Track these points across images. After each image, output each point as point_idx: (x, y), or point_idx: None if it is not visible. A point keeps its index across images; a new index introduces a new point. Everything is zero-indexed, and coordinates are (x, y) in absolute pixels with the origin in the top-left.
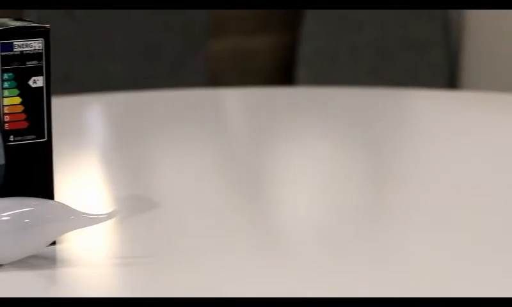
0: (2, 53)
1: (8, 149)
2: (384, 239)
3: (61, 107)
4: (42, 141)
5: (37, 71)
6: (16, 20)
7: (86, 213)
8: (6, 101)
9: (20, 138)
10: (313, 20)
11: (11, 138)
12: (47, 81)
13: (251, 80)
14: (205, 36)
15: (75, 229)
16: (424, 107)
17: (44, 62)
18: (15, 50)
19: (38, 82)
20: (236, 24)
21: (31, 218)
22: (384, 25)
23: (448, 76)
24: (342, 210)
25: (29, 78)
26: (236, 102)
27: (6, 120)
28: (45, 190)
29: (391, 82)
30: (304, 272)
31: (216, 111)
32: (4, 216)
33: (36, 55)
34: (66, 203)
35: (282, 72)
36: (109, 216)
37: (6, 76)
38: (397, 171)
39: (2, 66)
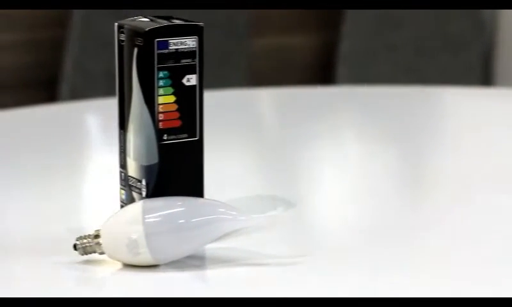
0: (158, 51)
1: (161, 148)
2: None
3: None
4: (194, 139)
5: (191, 70)
6: (159, 17)
7: (244, 214)
8: (161, 99)
9: (173, 137)
10: (353, 19)
11: (165, 137)
12: (200, 79)
13: (290, 78)
14: (247, 34)
15: (233, 230)
16: (459, 104)
17: (197, 61)
18: (170, 48)
19: (191, 80)
20: (276, 22)
21: (192, 219)
22: (421, 24)
23: (483, 74)
24: (385, 208)
25: (183, 77)
26: (276, 101)
27: (160, 119)
28: (195, 189)
29: (427, 80)
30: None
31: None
32: (164, 216)
33: (190, 54)
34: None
35: (322, 70)
36: (265, 217)
37: (161, 74)
38: (437, 166)
39: (157, 64)
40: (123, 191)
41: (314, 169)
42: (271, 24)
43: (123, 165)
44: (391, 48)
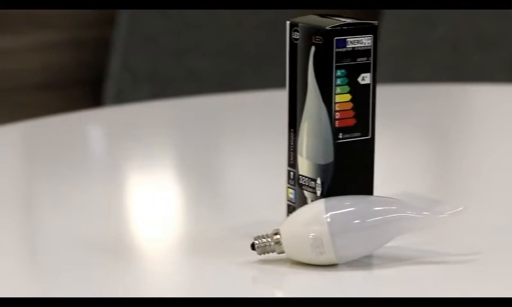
0: (337, 50)
1: (336, 147)
2: None
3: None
4: (367, 138)
5: (366, 68)
6: (322, 16)
7: (427, 212)
8: (338, 98)
9: (347, 136)
10: (390, 18)
11: (340, 136)
12: (374, 78)
13: None
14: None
15: (414, 229)
16: (493, 102)
17: (372, 59)
18: (347, 46)
19: (366, 79)
20: None
21: (375, 217)
22: (456, 23)
23: None
24: None
25: (358, 75)
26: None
27: (336, 118)
28: (366, 187)
29: (462, 79)
30: None
31: None
32: (347, 215)
33: (365, 52)
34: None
35: None
36: (451, 215)
37: (338, 73)
38: (472, 163)
39: (335, 63)
40: (291, 190)
41: (479, 166)
42: None
43: (292, 164)
44: (426, 47)
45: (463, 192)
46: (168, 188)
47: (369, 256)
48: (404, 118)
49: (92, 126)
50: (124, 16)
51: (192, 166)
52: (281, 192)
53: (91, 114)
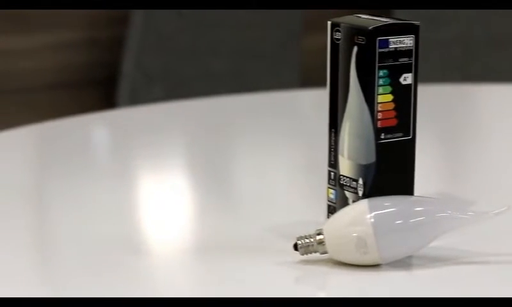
0: (379, 50)
1: (378, 147)
2: None
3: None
4: (408, 138)
5: (407, 68)
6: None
7: (472, 211)
8: (380, 98)
9: (389, 136)
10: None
11: (382, 136)
12: (415, 78)
13: None
14: (300, 32)
15: (457, 228)
16: (506, 102)
17: (413, 59)
18: (390, 46)
19: (407, 79)
20: (324, 20)
21: (418, 217)
22: (469, 22)
23: None
24: None
25: (400, 76)
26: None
27: (378, 118)
28: (407, 187)
29: (474, 78)
30: None
31: None
32: (391, 215)
33: (407, 52)
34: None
35: None
36: (495, 215)
37: (381, 73)
38: (490, 163)
39: (378, 63)
40: (331, 190)
41: (495, 165)
42: (320, 23)
43: (333, 164)
44: (439, 46)
45: (489, 191)
46: (197, 189)
47: (410, 256)
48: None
49: (104, 128)
50: (138, 16)
51: (216, 168)
52: (312, 192)
53: (104, 115)
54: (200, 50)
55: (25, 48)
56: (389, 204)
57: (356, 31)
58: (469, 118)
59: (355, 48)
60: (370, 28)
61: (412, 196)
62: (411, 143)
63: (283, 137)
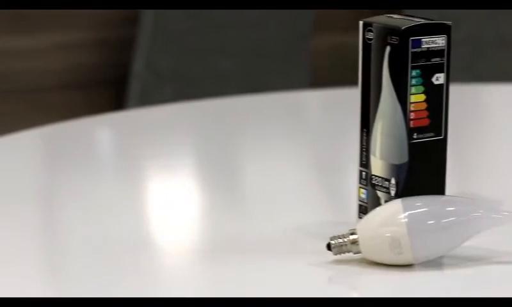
0: (412, 50)
1: (410, 147)
2: None
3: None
4: (439, 138)
5: (439, 68)
6: (404, 16)
7: (505, 211)
8: (412, 98)
9: (421, 136)
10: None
11: (415, 136)
12: (447, 78)
13: (348, 76)
14: (310, 32)
15: (491, 228)
16: None
17: (445, 59)
18: (422, 46)
19: (439, 79)
20: (333, 21)
21: (452, 217)
22: (478, 22)
23: None
24: None
25: (433, 76)
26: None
27: (411, 118)
28: (439, 187)
29: (482, 78)
30: None
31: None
32: (425, 215)
33: (439, 52)
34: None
35: None
36: None
37: (413, 73)
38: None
39: (411, 63)
40: (362, 190)
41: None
42: (328, 23)
43: (364, 164)
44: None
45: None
46: (213, 190)
47: (442, 256)
48: None
49: (114, 129)
50: (148, 16)
51: (229, 168)
52: (337, 192)
53: (113, 117)
54: (209, 50)
55: (35, 48)
56: (422, 204)
57: (389, 31)
58: (479, 118)
59: (388, 48)
60: (403, 28)
61: (444, 196)
62: (443, 143)
63: (292, 138)
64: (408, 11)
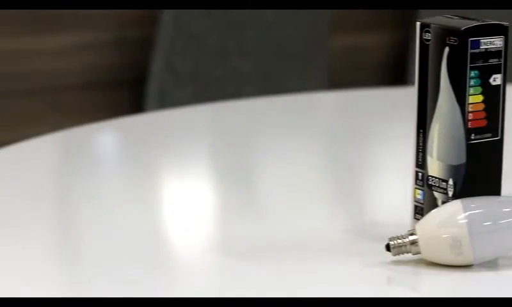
0: (471, 50)
1: (468, 148)
2: None
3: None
4: (496, 139)
5: (497, 69)
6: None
7: None
8: (471, 99)
9: (479, 136)
10: (426, 17)
11: (472, 136)
12: (504, 79)
13: (364, 77)
14: (328, 32)
15: None
16: None
17: (503, 60)
18: (481, 47)
19: (497, 80)
20: (349, 22)
21: (511, 218)
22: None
23: None
24: None
25: (490, 76)
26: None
27: (469, 118)
28: (495, 188)
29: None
30: None
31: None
32: (485, 216)
33: (496, 53)
34: None
35: (394, 69)
36: None
37: (472, 74)
38: None
39: (469, 63)
40: (418, 191)
41: None
42: (344, 24)
43: (421, 165)
44: None
45: None
46: (243, 192)
47: (499, 257)
48: None
49: (131, 132)
50: (167, 16)
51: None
52: (368, 194)
53: (133, 119)
54: (228, 51)
55: (53, 48)
56: (480, 205)
57: (448, 32)
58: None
59: (446, 49)
60: (463, 29)
61: (501, 197)
62: (500, 144)
63: (311, 139)
64: (425, 12)
